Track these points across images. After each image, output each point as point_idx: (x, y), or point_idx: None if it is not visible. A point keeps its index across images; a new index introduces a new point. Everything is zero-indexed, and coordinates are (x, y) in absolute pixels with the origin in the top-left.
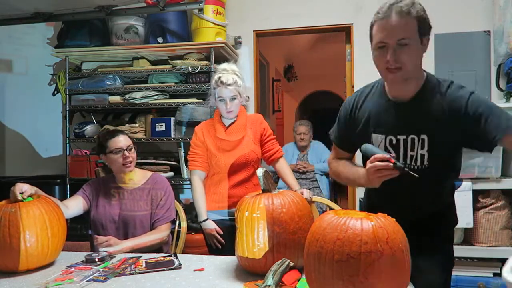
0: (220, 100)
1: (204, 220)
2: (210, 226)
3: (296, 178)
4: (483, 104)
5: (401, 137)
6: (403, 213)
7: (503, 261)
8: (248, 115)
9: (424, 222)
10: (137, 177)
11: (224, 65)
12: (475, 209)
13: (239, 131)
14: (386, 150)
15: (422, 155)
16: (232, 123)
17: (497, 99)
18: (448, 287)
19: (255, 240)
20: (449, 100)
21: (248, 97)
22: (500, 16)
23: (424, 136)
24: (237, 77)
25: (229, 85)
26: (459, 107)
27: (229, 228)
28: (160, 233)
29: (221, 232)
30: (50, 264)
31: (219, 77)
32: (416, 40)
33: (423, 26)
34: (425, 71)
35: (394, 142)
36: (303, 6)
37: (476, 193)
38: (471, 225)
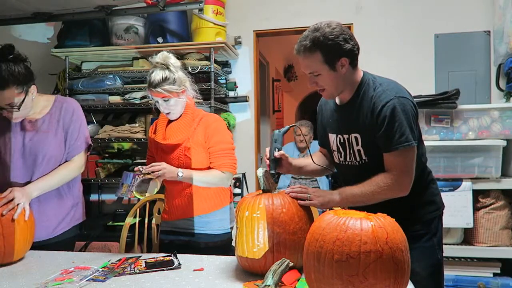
0: (156, 103)
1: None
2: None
3: (296, 178)
4: (390, 114)
5: (345, 136)
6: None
7: (503, 261)
8: (203, 113)
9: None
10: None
11: (157, 57)
12: (475, 209)
13: (179, 133)
14: (337, 148)
15: (359, 151)
16: (173, 121)
17: (497, 99)
18: (437, 283)
19: (255, 240)
20: (371, 103)
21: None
22: (500, 16)
23: (357, 135)
24: (168, 72)
25: (156, 86)
26: (373, 110)
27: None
28: (73, 166)
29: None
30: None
31: (148, 80)
32: (325, 70)
33: (329, 54)
34: (366, 73)
35: (341, 140)
36: (303, 6)
37: (476, 193)
38: (471, 225)
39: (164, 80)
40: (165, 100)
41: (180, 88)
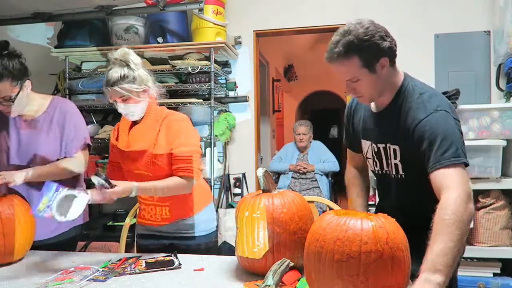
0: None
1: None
2: None
3: (296, 178)
4: (428, 132)
5: (381, 145)
6: (395, 214)
7: (503, 261)
8: (167, 112)
9: (414, 227)
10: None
11: (115, 53)
12: (475, 209)
13: (142, 139)
14: (372, 156)
15: (396, 165)
16: (136, 124)
17: (497, 99)
18: None
19: (255, 240)
20: (409, 115)
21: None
22: (500, 16)
23: (396, 147)
24: (127, 69)
25: (113, 84)
26: (410, 125)
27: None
28: (71, 160)
29: None
30: (52, 263)
31: (105, 77)
32: (364, 74)
33: (367, 57)
34: (406, 77)
35: (376, 149)
36: (303, 6)
37: (476, 193)
38: (471, 225)
39: (123, 78)
40: (123, 100)
41: (140, 87)
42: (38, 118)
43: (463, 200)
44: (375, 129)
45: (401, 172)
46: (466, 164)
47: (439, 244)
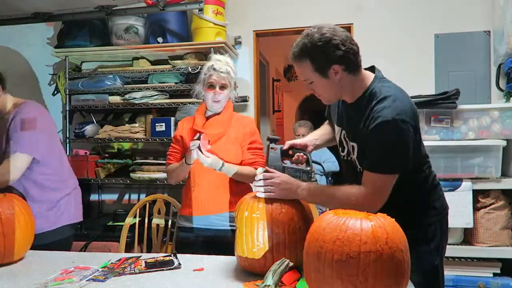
0: (209, 86)
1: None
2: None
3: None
4: (376, 136)
5: (347, 138)
6: None
7: (503, 261)
8: (238, 115)
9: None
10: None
11: (218, 56)
12: (475, 209)
13: (219, 126)
14: (340, 142)
15: (354, 161)
16: (215, 115)
17: (497, 99)
18: None
19: (254, 240)
20: (370, 116)
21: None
22: (500, 16)
23: (354, 144)
24: (230, 69)
25: (222, 72)
26: (368, 126)
27: (201, 240)
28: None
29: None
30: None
31: (212, 65)
32: (317, 78)
33: (318, 62)
34: (377, 78)
35: (343, 137)
36: (303, 6)
37: (476, 193)
38: (471, 225)
39: (228, 72)
40: (222, 87)
41: (233, 87)
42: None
43: (365, 195)
44: (344, 118)
45: (359, 166)
46: (396, 171)
47: (325, 190)
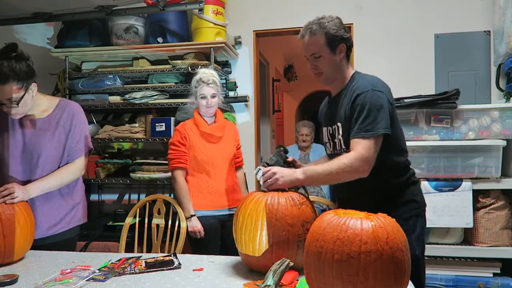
0: (201, 97)
1: (191, 216)
2: (196, 224)
3: None
4: (357, 106)
5: (333, 127)
6: (353, 200)
7: (503, 261)
8: (225, 120)
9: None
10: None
11: (204, 69)
12: (475, 209)
13: (220, 130)
14: (328, 139)
15: (340, 140)
16: (213, 122)
17: (497, 99)
18: (416, 277)
19: (256, 239)
20: (351, 93)
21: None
22: (500, 16)
23: (339, 124)
24: (216, 79)
25: (210, 83)
26: (350, 99)
27: (217, 226)
28: (74, 168)
29: (203, 234)
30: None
31: (200, 78)
32: (326, 52)
33: (331, 40)
34: (356, 72)
35: (331, 131)
36: (303, 6)
37: (476, 193)
38: (471, 225)
39: (214, 82)
40: (213, 96)
41: (220, 95)
42: (44, 119)
43: (356, 157)
44: (328, 114)
45: (343, 146)
46: (385, 134)
47: (318, 167)
